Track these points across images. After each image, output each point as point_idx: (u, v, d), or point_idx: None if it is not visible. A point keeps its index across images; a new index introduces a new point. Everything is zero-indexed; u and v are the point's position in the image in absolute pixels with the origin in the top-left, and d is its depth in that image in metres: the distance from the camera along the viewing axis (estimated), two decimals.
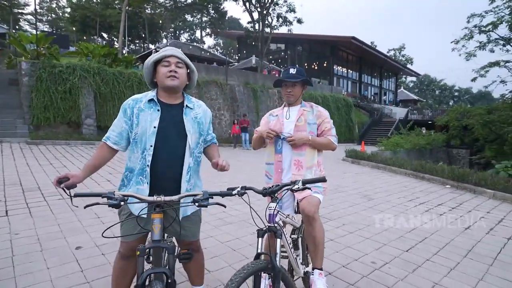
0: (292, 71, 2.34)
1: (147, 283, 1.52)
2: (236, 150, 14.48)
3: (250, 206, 1.69)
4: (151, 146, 1.72)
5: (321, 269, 2.17)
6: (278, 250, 1.67)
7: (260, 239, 1.72)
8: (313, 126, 2.34)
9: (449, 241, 3.73)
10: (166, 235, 1.95)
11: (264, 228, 1.75)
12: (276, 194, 1.80)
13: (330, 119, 2.41)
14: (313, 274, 2.15)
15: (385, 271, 2.93)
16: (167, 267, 1.55)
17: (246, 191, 1.68)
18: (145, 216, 1.68)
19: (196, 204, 1.56)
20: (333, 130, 2.39)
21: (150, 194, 1.68)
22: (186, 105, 1.86)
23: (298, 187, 1.76)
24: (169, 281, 1.48)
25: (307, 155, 2.29)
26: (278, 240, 1.71)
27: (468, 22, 18.23)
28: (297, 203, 2.25)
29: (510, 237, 3.95)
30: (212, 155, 2.01)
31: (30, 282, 2.43)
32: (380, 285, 2.65)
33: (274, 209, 1.81)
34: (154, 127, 1.74)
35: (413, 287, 2.64)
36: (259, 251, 1.67)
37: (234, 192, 1.62)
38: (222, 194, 1.62)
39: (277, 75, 27.59)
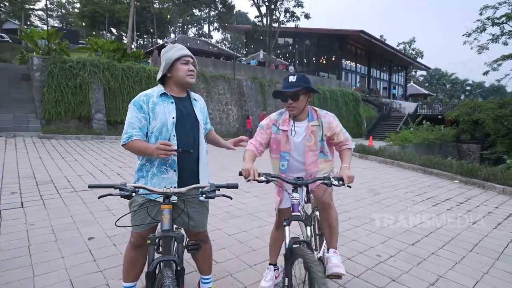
0: (292, 79, 2.05)
1: (157, 271, 1.59)
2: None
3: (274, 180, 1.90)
4: (174, 136, 1.82)
5: (335, 248, 2.27)
6: (311, 236, 1.89)
7: (287, 227, 1.84)
8: (322, 142, 2.18)
9: (455, 235, 3.74)
10: (175, 226, 2.02)
11: (290, 217, 1.87)
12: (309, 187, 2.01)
13: (338, 122, 2.25)
14: (328, 252, 2.24)
15: (390, 264, 2.96)
16: (176, 256, 1.62)
17: (273, 178, 1.83)
18: (154, 207, 1.77)
19: (204, 196, 1.63)
20: (346, 135, 2.27)
21: (179, 180, 1.84)
22: (193, 98, 2.04)
23: (338, 183, 1.85)
24: (178, 268, 1.55)
25: (320, 171, 2.20)
26: (309, 228, 1.90)
27: (481, 14, 17.87)
28: (307, 192, 2.26)
29: None
30: (217, 139, 2.27)
31: (47, 270, 2.55)
32: (384, 278, 2.69)
33: (290, 199, 1.89)
34: (173, 118, 1.85)
35: (417, 280, 2.68)
36: (289, 238, 1.81)
37: (262, 177, 1.81)
38: (228, 186, 1.69)
39: (284, 69, 27.46)
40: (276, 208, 2.34)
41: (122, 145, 1.84)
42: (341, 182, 1.87)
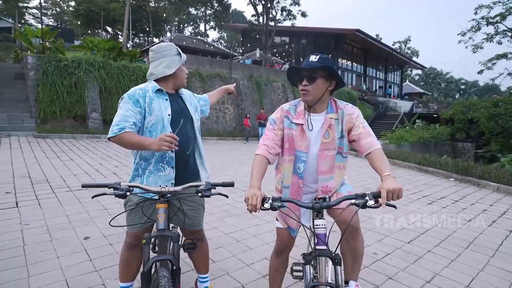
0: (313, 58, 1.63)
1: (153, 270, 1.59)
2: (246, 143, 14.59)
3: (304, 225, 1.53)
4: (170, 132, 1.81)
5: (356, 280, 1.88)
6: (340, 280, 1.43)
7: (308, 266, 1.51)
8: (341, 140, 1.74)
9: (451, 233, 3.77)
10: (171, 225, 2.02)
11: (312, 252, 1.50)
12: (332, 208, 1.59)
13: (360, 113, 1.78)
14: (347, 286, 1.85)
15: (387, 261, 2.98)
16: (172, 255, 1.61)
17: (283, 203, 1.39)
18: (150, 206, 1.77)
19: (199, 194, 1.62)
20: (368, 128, 1.74)
21: (177, 177, 1.85)
22: (182, 94, 2.06)
23: (374, 204, 1.36)
24: (174, 268, 1.54)
25: (336, 178, 1.81)
26: (339, 267, 1.44)
27: (476, 13, 17.96)
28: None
29: None
30: (212, 95, 2.43)
31: (42, 270, 2.53)
32: (381, 275, 2.70)
33: (316, 227, 1.49)
34: (169, 115, 1.85)
35: (413, 277, 2.69)
36: (312, 281, 1.51)
37: (266, 205, 1.36)
38: (224, 185, 1.68)
39: (281, 68, 27.42)
40: (285, 227, 1.84)
41: (109, 137, 1.71)
42: (379, 202, 1.34)
